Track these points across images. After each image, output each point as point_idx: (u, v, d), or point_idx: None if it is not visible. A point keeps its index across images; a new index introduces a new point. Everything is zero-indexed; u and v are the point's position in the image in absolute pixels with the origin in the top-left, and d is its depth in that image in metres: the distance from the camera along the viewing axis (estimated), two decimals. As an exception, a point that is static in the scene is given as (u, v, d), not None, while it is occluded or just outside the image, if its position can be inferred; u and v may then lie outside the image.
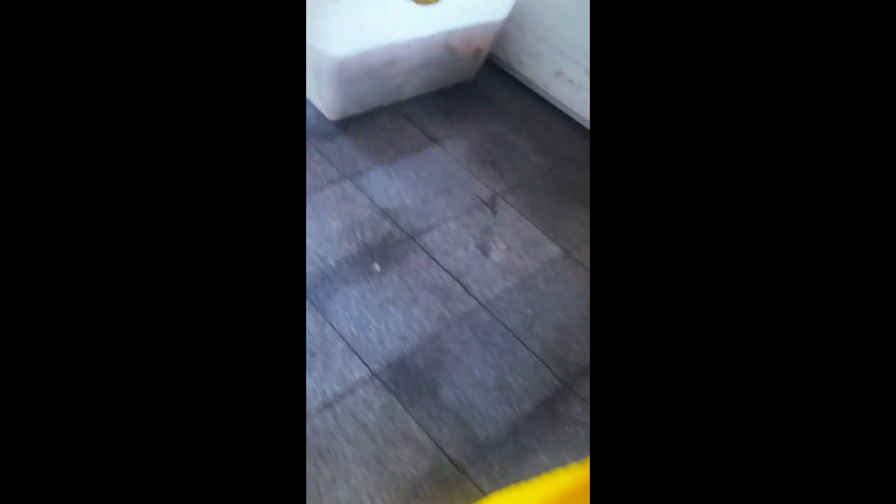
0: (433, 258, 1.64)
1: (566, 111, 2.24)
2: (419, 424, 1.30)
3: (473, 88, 2.26)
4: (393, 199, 1.78)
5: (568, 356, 1.51)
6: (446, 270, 1.62)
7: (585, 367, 1.50)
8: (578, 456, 1.34)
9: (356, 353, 1.39)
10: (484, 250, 1.70)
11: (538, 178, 1.99)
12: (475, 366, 1.43)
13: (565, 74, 2.14)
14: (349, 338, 1.41)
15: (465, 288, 1.59)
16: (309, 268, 1.53)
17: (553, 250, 1.77)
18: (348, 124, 1.96)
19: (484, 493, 1.24)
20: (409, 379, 1.37)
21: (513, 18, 2.05)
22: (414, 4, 1.43)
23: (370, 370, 1.36)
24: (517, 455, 1.30)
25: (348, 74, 1.76)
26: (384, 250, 1.63)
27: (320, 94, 1.88)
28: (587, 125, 2.18)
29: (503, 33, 2.12)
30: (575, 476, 0.77)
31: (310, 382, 1.31)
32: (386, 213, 1.73)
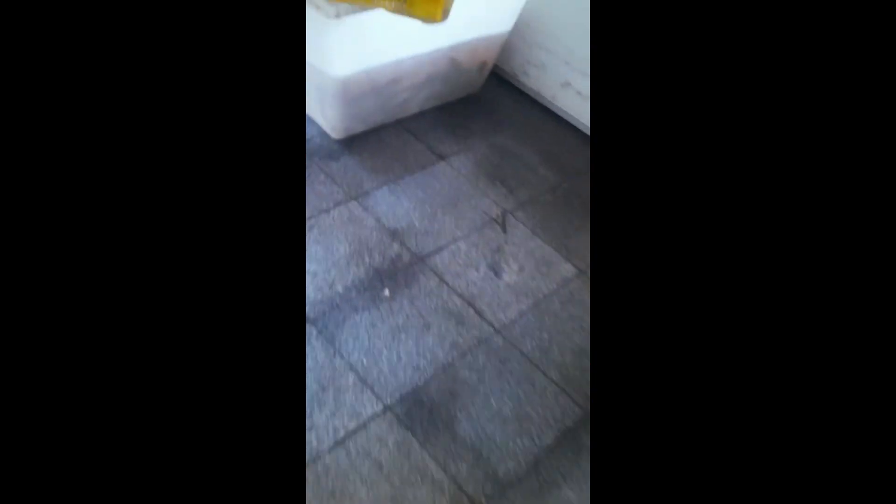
0: (444, 281, 1.59)
1: (574, 122, 2.19)
2: (436, 461, 1.24)
3: (479, 101, 2.21)
4: (400, 219, 1.73)
5: (589, 382, 1.46)
6: (458, 294, 1.57)
7: (606, 392, 1.44)
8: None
9: (368, 386, 1.33)
10: (496, 271, 1.65)
11: (548, 192, 1.93)
12: (492, 396, 1.38)
13: (572, 85, 2.09)
14: (360, 369, 1.36)
15: (478, 312, 1.54)
16: (317, 295, 1.48)
17: (567, 269, 1.71)
18: (353, 142, 1.91)
19: (506, 534, 1.19)
20: (423, 412, 1.32)
21: (518, 30, 2.00)
22: (419, 21, 1.38)
23: (383, 404, 1.31)
24: (540, 491, 1.24)
25: (352, 93, 1.72)
26: (393, 274, 1.58)
27: (324, 113, 1.84)
28: (596, 136, 2.13)
29: (508, 45, 2.07)
30: None
31: (321, 419, 1.25)
32: (394, 235, 1.67)
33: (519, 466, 1.27)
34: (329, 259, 1.57)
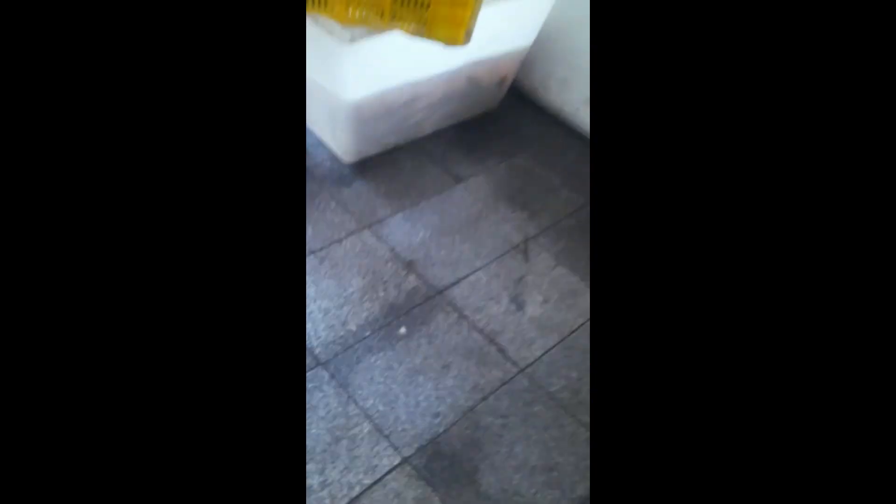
0: (463, 316, 1.49)
1: (597, 139, 2.08)
2: (459, 521, 1.15)
3: (497, 118, 2.12)
4: (416, 248, 1.64)
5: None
6: (479, 330, 1.47)
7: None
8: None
9: (384, 436, 1.24)
10: (519, 304, 1.55)
11: (572, 216, 1.83)
12: (517, 444, 1.28)
13: (595, 101, 1.98)
14: (376, 417, 1.27)
15: (500, 350, 1.44)
16: (329, 335, 1.39)
17: (594, 300, 1.61)
18: (365, 166, 1.83)
19: None
20: (444, 464, 1.22)
21: (539, 43, 1.91)
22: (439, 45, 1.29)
23: (401, 455, 1.22)
24: (572, 554, 1.14)
25: (365, 116, 1.63)
26: (410, 309, 1.49)
27: (335, 137, 1.75)
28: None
29: (528, 59, 1.98)
30: None
31: (334, 474, 1.17)
32: (410, 266, 1.58)
33: (549, 526, 1.17)
34: (342, 294, 1.48)
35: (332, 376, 1.32)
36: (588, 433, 1.32)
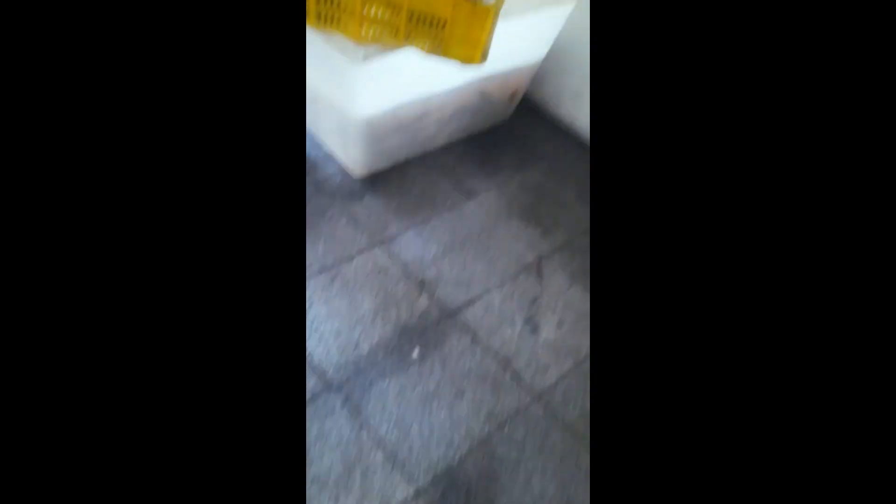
0: (477, 339, 1.46)
1: (610, 153, 2.05)
2: (475, 557, 1.12)
3: (508, 131, 2.09)
4: (429, 267, 1.60)
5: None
6: (492, 354, 1.44)
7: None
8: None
9: (398, 466, 1.21)
10: (533, 326, 1.52)
11: (586, 234, 1.80)
12: (534, 475, 1.25)
13: (609, 114, 1.95)
14: (389, 445, 1.24)
15: (515, 375, 1.41)
16: (341, 357, 1.36)
17: (609, 322, 1.58)
18: (376, 180, 1.80)
19: None
20: (458, 496, 1.19)
21: (552, 56, 1.87)
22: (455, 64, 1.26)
23: (415, 486, 1.19)
24: (590, 592, 1.11)
25: (377, 131, 1.60)
26: (422, 331, 1.46)
27: (346, 151, 1.72)
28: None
29: (540, 71, 1.94)
30: None
31: (347, 507, 1.14)
32: (422, 286, 1.55)
33: (567, 562, 1.14)
34: (353, 315, 1.45)
35: (345, 402, 1.29)
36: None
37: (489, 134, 2.05)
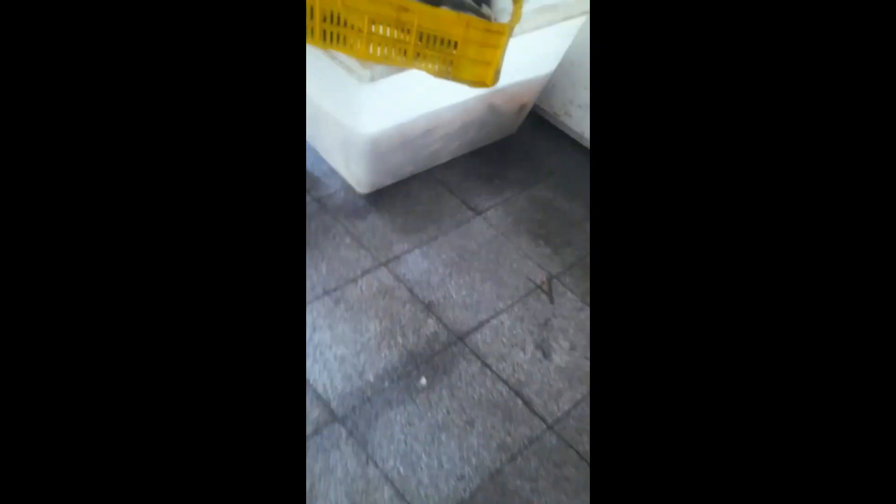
0: (487, 365, 1.41)
1: (619, 166, 2.00)
2: None
3: (515, 144, 2.04)
4: (435, 288, 1.55)
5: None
6: (503, 381, 1.39)
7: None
8: None
9: (406, 502, 1.16)
10: (545, 351, 1.47)
11: (596, 251, 1.75)
12: (548, 511, 1.20)
13: (619, 127, 1.90)
14: (397, 480, 1.19)
15: (526, 403, 1.36)
16: (346, 386, 1.31)
17: (622, 345, 1.53)
18: (380, 197, 1.75)
19: None
20: (470, 534, 1.14)
21: (561, 68, 1.82)
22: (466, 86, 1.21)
23: (424, 525, 1.14)
24: None
25: (382, 149, 1.55)
26: (430, 357, 1.41)
27: (349, 168, 1.67)
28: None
29: (549, 83, 1.90)
30: None
31: (354, 548, 1.09)
32: (429, 308, 1.50)
33: None
34: (358, 340, 1.40)
35: (350, 433, 1.24)
36: None
37: (496, 147, 2.00)
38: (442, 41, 1.09)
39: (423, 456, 1.23)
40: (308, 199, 1.71)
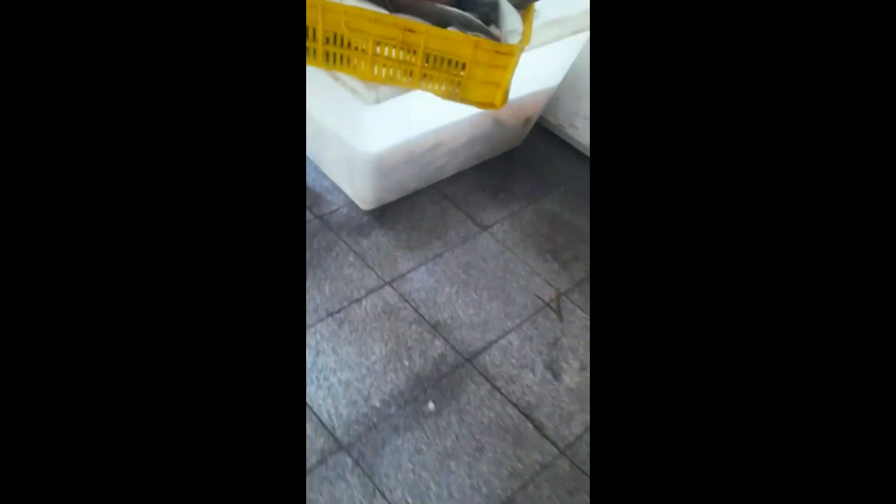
0: (496, 387, 1.38)
1: (626, 177, 1.97)
2: None
3: (521, 157, 2.00)
4: (442, 308, 1.52)
5: None
6: (513, 404, 1.36)
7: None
8: None
9: (416, 535, 1.13)
10: (555, 372, 1.44)
11: (605, 266, 1.72)
12: (561, 541, 1.17)
13: (626, 139, 1.87)
14: (406, 512, 1.16)
15: (537, 427, 1.33)
16: (351, 413, 1.28)
17: (633, 364, 1.50)
18: (384, 213, 1.72)
19: None
20: (482, 568, 1.11)
21: (567, 80, 1.79)
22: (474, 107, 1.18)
23: (435, 559, 1.11)
24: None
25: (386, 166, 1.52)
26: (437, 381, 1.37)
27: (353, 185, 1.64)
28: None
29: (555, 95, 1.86)
30: None
31: (363, 585, 1.06)
32: (436, 328, 1.47)
33: None
34: (363, 364, 1.37)
35: (356, 463, 1.21)
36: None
37: (502, 160, 1.97)
38: (449, 62, 1.06)
39: (433, 485, 1.20)
40: (310, 216, 1.68)
